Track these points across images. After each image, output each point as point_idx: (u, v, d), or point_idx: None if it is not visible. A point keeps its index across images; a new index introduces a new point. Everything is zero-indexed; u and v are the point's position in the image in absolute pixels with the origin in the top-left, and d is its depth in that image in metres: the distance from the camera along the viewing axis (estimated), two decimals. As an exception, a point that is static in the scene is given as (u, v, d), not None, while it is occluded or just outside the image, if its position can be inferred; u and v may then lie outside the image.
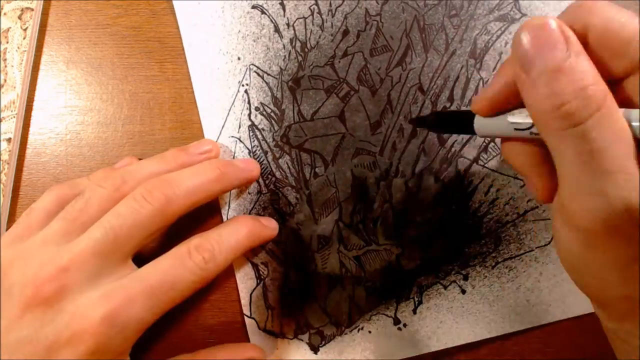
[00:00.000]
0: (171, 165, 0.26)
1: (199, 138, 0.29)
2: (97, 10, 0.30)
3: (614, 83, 0.18)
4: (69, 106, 0.30)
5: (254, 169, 0.28)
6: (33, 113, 0.30)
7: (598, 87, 0.16)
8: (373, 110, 0.29)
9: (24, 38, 0.29)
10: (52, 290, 0.22)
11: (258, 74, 0.29)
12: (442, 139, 0.29)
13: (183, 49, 0.30)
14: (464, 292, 0.29)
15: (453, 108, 0.29)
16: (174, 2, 0.29)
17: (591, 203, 0.17)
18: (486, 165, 0.29)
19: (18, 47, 0.28)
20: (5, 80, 0.29)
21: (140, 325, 0.22)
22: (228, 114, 0.29)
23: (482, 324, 0.28)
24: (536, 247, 0.29)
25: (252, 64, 0.29)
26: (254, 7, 0.29)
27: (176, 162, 0.27)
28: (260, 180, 0.29)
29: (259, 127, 0.29)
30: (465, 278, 0.29)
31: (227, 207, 0.29)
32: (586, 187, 0.17)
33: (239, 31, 0.29)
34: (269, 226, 0.28)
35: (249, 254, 0.29)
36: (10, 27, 0.28)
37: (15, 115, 0.29)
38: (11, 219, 0.29)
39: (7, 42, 0.29)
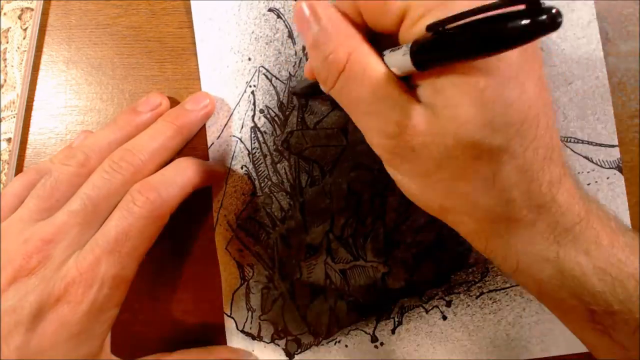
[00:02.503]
0: (126, 130, 0.27)
1: (199, 138, 0.29)
2: (97, 10, 0.30)
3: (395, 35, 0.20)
4: (69, 106, 0.30)
5: (206, 104, 0.28)
6: (33, 113, 0.30)
7: (337, 54, 0.20)
8: (377, 126, 0.29)
9: (24, 38, 0.29)
10: (37, 261, 0.22)
11: (267, 77, 0.29)
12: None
13: (183, 49, 0.30)
14: (445, 318, 0.29)
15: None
16: (191, -6, 0.29)
17: (370, 139, 0.21)
18: (483, 194, 0.29)
19: (18, 47, 0.28)
20: (5, 80, 0.29)
21: (116, 280, 0.23)
22: (232, 113, 0.29)
23: (458, 352, 0.28)
24: (522, 283, 0.29)
25: (262, 66, 0.29)
26: (270, 9, 0.29)
27: (130, 125, 0.27)
28: (256, 183, 0.29)
29: (262, 129, 0.29)
30: (448, 304, 0.29)
31: (219, 205, 0.29)
32: (363, 126, 0.21)
33: (253, 32, 0.29)
34: (216, 164, 0.29)
35: (236, 255, 0.29)
36: (10, 27, 0.28)
37: (15, 115, 0.29)
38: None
39: (7, 42, 0.29)
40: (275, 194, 0.29)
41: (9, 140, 0.29)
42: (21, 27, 0.29)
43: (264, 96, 0.29)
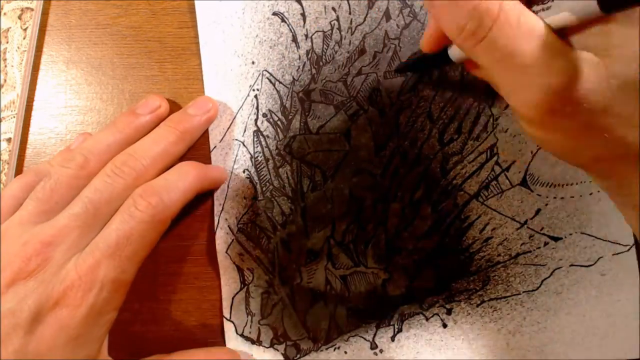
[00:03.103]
0: (125, 132, 0.27)
1: (200, 137, 0.29)
2: (97, 10, 0.30)
3: None
4: (69, 106, 0.30)
5: (209, 108, 0.28)
6: (33, 113, 0.30)
7: (488, 1, 0.18)
8: (379, 132, 0.29)
9: (24, 38, 0.29)
10: (36, 264, 0.22)
11: (270, 81, 0.29)
12: (445, 170, 0.29)
13: (183, 49, 0.30)
14: (445, 326, 0.29)
15: (460, 141, 0.29)
16: (195, -3, 0.29)
17: (524, 98, 0.19)
18: (485, 202, 0.29)
19: (18, 47, 0.28)
20: (5, 80, 0.29)
21: (115, 284, 0.23)
22: (235, 116, 0.29)
23: (458, 360, 0.28)
24: (523, 292, 0.29)
25: (266, 70, 0.29)
26: (274, 13, 0.29)
27: (129, 128, 0.27)
28: (258, 187, 0.29)
29: (264, 133, 0.29)
30: (449, 312, 0.29)
31: (220, 209, 0.29)
32: (514, 86, 0.19)
33: (257, 35, 0.29)
34: (217, 169, 0.29)
35: (236, 258, 0.29)
36: (10, 27, 0.28)
37: (15, 115, 0.29)
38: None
39: (7, 42, 0.29)
40: (276, 198, 0.29)
41: (9, 140, 0.29)
42: (21, 27, 0.29)
43: (267, 100, 0.29)
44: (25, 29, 0.29)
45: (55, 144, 0.30)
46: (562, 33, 0.18)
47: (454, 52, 0.23)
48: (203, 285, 0.29)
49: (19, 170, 0.30)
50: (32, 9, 0.30)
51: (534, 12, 0.19)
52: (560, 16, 0.18)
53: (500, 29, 0.18)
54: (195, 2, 0.29)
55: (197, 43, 0.29)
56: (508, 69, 0.19)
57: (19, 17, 0.29)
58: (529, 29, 0.18)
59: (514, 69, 0.18)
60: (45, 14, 0.30)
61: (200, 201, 0.29)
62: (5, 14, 0.30)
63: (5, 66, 0.29)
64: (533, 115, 0.19)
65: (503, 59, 0.18)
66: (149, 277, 0.29)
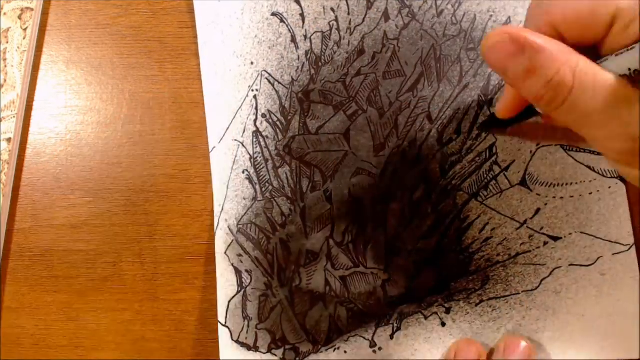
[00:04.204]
0: None
1: (199, 138, 0.29)
2: (97, 10, 0.30)
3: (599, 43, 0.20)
4: (69, 106, 0.30)
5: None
6: (33, 113, 0.30)
7: (562, 72, 0.19)
8: (379, 132, 0.29)
9: (24, 38, 0.29)
10: None
11: (269, 81, 0.29)
12: (444, 170, 0.29)
13: (183, 49, 0.30)
14: (443, 324, 0.29)
15: (459, 141, 0.29)
16: (194, -2, 0.29)
17: (606, 146, 0.20)
18: (485, 202, 0.29)
19: (18, 47, 0.28)
20: (5, 80, 0.29)
21: None
22: (234, 117, 0.29)
23: None
24: (523, 291, 0.29)
25: (265, 71, 0.29)
26: (273, 14, 0.29)
27: None
28: (257, 187, 0.29)
29: (264, 134, 0.29)
30: (448, 311, 0.29)
31: (220, 210, 0.29)
32: (596, 136, 0.20)
33: (256, 36, 0.29)
34: None
35: (235, 260, 0.29)
36: (10, 27, 0.28)
37: (15, 115, 0.29)
38: (11, 219, 0.30)
39: (7, 42, 0.29)
40: (276, 199, 0.29)
41: (9, 140, 0.29)
42: (21, 27, 0.29)
43: (266, 100, 0.29)
44: (25, 29, 0.29)
45: (55, 144, 0.30)
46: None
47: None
48: (203, 285, 0.29)
49: (19, 170, 0.30)
50: (32, 9, 0.30)
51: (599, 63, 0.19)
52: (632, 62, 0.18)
53: (578, 96, 0.19)
54: (194, 2, 0.29)
55: (197, 43, 0.29)
56: (589, 125, 0.20)
57: (19, 17, 0.29)
58: (602, 88, 0.19)
59: (594, 124, 0.20)
60: (45, 14, 0.30)
61: (200, 201, 0.29)
62: (5, 14, 0.30)
63: (5, 66, 0.29)
64: (618, 159, 0.20)
65: (583, 118, 0.20)
66: (149, 277, 0.29)
